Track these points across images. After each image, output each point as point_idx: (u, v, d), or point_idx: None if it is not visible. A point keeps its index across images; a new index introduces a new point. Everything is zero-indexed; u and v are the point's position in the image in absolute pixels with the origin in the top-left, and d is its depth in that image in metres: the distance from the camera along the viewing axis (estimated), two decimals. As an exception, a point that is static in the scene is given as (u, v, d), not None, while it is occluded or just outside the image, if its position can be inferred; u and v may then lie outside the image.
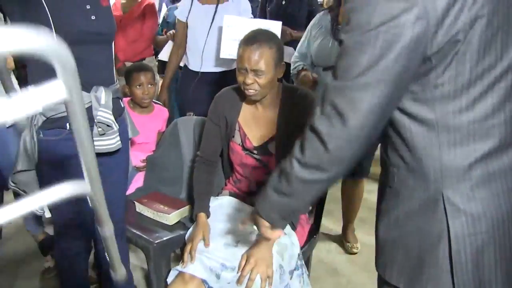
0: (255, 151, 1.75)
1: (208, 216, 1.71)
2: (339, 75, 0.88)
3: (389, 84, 0.86)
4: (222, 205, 1.75)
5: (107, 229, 0.79)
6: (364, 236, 2.78)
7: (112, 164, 1.77)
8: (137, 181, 2.18)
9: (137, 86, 2.27)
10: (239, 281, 1.49)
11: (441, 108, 0.92)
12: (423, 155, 0.96)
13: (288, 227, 1.67)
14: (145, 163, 2.24)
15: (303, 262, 1.71)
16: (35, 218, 2.53)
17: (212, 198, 1.78)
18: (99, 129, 1.58)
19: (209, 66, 2.67)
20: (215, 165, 1.85)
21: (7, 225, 2.84)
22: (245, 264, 1.51)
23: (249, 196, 1.77)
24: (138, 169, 2.22)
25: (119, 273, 0.97)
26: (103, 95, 1.58)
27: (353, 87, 0.86)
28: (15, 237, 2.82)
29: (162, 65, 3.88)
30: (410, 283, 1.03)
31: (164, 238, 1.82)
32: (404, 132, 0.97)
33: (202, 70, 2.65)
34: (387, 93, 0.87)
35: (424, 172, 0.96)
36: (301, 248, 1.73)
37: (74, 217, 1.75)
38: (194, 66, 2.70)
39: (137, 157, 2.25)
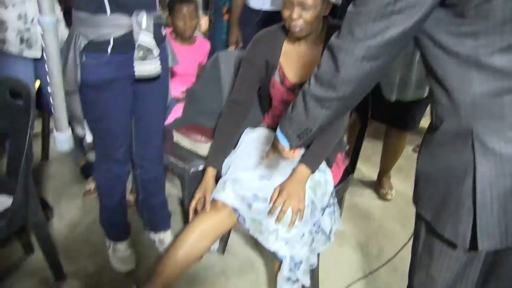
0: (296, 89, 1.72)
1: (218, 171, 1.71)
2: (358, 3, 0.94)
3: (399, 18, 0.89)
4: (259, 137, 1.74)
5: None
6: (400, 184, 2.75)
7: (152, 91, 1.78)
8: (176, 112, 2.19)
9: (180, 18, 2.25)
10: (270, 212, 1.50)
11: (472, 44, 0.89)
12: (454, 88, 0.95)
13: (323, 164, 1.66)
14: (184, 95, 2.25)
15: (336, 201, 1.71)
16: (78, 143, 2.61)
17: (248, 130, 1.78)
18: (140, 52, 1.58)
19: (269, 4, 2.61)
20: (246, 111, 1.81)
21: (51, 148, 2.95)
22: (277, 196, 1.51)
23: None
24: (177, 100, 2.23)
25: (65, 132, 1.03)
26: (144, 19, 1.57)
27: (367, 15, 0.92)
28: (61, 159, 2.94)
29: (207, 1, 3.83)
30: (435, 217, 1.05)
31: (199, 167, 1.86)
32: (437, 65, 0.97)
33: (263, 9, 2.59)
34: (398, 26, 0.90)
35: (455, 106, 0.95)
36: (335, 186, 1.72)
37: (114, 140, 1.80)
38: (255, 4, 2.64)
39: (177, 89, 2.26)
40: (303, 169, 1.56)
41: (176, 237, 1.61)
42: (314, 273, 1.85)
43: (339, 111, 1.08)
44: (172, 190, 2.59)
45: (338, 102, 1.04)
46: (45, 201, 2.43)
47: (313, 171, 1.58)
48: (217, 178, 1.72)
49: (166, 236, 2.16)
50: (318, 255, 1.73)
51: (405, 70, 2.19)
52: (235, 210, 1.55)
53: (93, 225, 2.30)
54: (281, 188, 1.53)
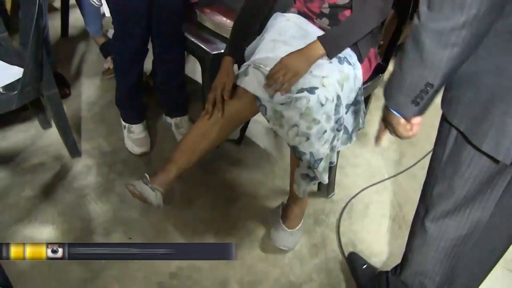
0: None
1: (237, 60, 1.58)
2: None
3: None
4: (288, 22, 1.58)
5: None
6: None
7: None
8: (202, -10, 2.05)
9: None
10: (266, 84, 1.40)
11: None
12: None
13: (354, 58, 1.52)
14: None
15: (363, 100, 1.59)
16: (95, 19, 2.49)
17: (277, 14, 1.62)
18: None
19: None
20: None
21: (71, 26, 2.84)
22: (276, 65, 1.41)
23: (318, 18, 1.60)
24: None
25: None
26: None
27: None
28: (80, 37, 2.84)
29: None
30: (472, 126, 0.93)
31: (222, 50, 1.73)
32: None
33: None
34: None
35: None
36: (364, 83, 1.60)
37: (132, 15, 1.69)
38: None
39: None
40: (317, 46, 1.43)
41: (194, 123, 1.54)
42: (331, 171, 1.80)
43: (469, 46, 0.83)
44: (192, 74, 2.50)
45: (468, 29, 0.80)
46: (63, 77, 2.37)
47: (328, 54, 1.44)
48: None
49: (183, 121, 2.12)
50: (338, 153, 1.67)
51: None
52: (256, 98, 1.45)
53: (109, 105, 2.27)
54: (284, 58, 1.42)
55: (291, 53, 1.43)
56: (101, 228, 1.71)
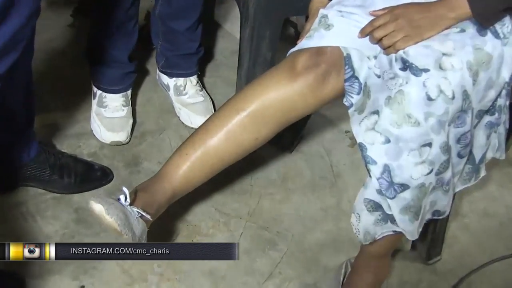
0: None
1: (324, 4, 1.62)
2: None
3: None
4: None
5: None
6: None
7: None
8: None
9: None
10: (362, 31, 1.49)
11: None
12: None
13: (509, 26, 1.47)
14: None
15: (507, 105, 1.57)
16: None
17: None
18: None
19: None
20: None
21: None
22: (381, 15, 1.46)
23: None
24: None
25: None
26: None
27: None
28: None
29: None
30: None
31: None
32: None
33: None
34: None
35: None
36: (515, 76, 1.58)
37: None
38: None
39: None
40: (459, 3, 1.43)
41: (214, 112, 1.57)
42: (438, 227, 1.80)
43: None
44: (222, 20, 2.60)
45: None
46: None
47: (478, 17, 1.43)
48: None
49: (187, 84, 2.18)
50: (454, 197, 1.62)
51: None
52: (345, 59, 1.49)
53: (77, 57, 2.34)
54: (399, 8, 1.46)
55: (412, 4, 1.46)
56: (37, 263, 1.71)
